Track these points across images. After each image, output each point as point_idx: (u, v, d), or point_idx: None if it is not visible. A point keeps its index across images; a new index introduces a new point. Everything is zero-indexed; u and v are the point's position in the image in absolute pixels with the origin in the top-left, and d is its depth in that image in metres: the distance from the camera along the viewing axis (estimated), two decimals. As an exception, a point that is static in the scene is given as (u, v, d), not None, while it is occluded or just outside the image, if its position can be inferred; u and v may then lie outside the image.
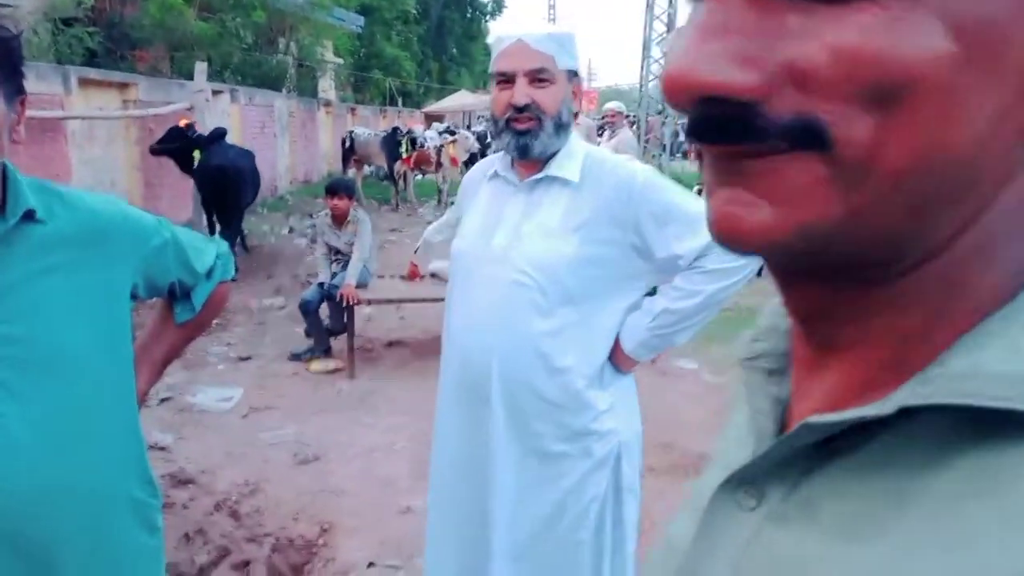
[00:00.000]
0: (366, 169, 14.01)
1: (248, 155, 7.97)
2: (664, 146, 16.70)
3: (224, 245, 1.50)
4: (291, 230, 10.08)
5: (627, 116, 8.70)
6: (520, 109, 1.56)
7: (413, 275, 5.64)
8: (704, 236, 1.53)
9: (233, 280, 1.52)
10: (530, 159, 1.63)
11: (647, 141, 16.49)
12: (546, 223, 1.61)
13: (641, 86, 17.09)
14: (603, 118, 7.68)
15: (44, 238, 1.15)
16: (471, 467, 1.72)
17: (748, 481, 0.41)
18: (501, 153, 1.72)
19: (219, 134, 7.66)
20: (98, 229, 1.22)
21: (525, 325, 1.60)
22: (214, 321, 1.53)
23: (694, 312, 1.61)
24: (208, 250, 1.44)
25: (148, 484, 1.31)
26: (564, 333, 1.60)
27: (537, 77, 1.56)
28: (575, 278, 1.59)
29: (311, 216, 9.18)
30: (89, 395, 1.18)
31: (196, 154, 7.34)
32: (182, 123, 7.58)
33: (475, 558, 1.74)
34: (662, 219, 1.57)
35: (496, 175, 1.73)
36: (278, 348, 5.42)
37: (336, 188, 5.17)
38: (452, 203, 6.32)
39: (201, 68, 8.17)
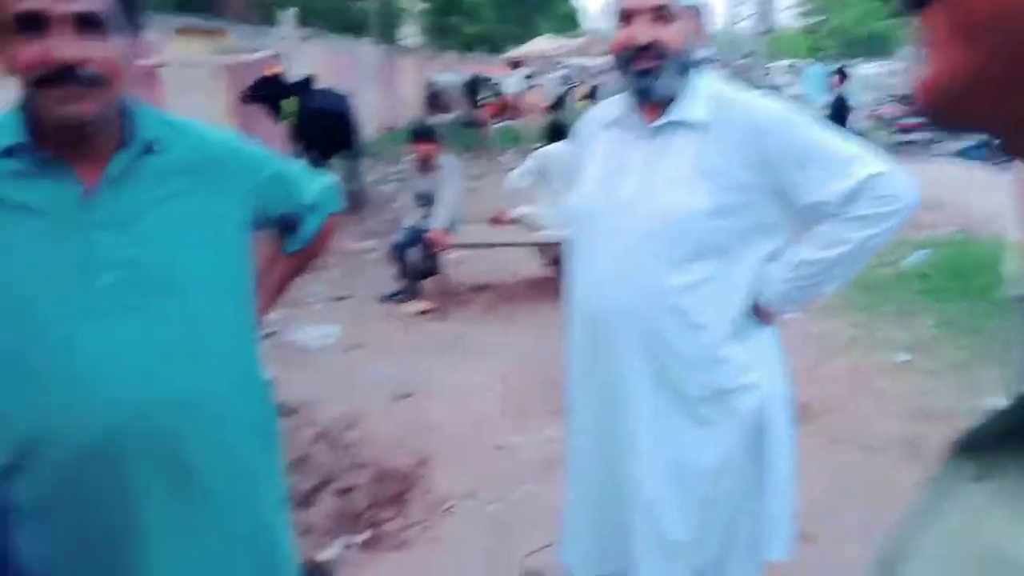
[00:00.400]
0: (448, 116, 14.05)
1: (343, 98, 8.09)
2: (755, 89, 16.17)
3: (331, 178, 1.56)
4: (377, 177, 10.24)
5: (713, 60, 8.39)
6: (641, 48, 1.49)
7: (499, 220, 5.68)
8: (852, 177, 1.44)
9: (342, 213, 1.57)
10: (653, 101, 1.55)
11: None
12: (674, 171, 1.53)
13: (734, 27, 16.46)
14: None
15: (163, 168, 1.22)
16: (610, 430, 1.66)
17: (976, 447, 0.36)
18: (619, 96, 1.64)
19: (308, 80, 7.79)
20: (213, 159, 1.28)
21: (657, 280, 1.53)
22: (322, 254, 1.59)
23: (840, 262, 1.51)
24: (315, 183, 1.49)
25: (267, 405, 1.38)
26: (699, 288, 1.52)
27: (659, 14, 1.48)
28: (708, 229, 1.50)
29: (396, 162, 9.30)
30: (209, 317, 1.25)
31: (286, 102, 7.50)
32: (270, 72, 7.72)
33: (616, 523, 1.70)
34: (802, 160, 1.46)
35: (617, 121, 1.64)
36: (371, 289, 5.57)
37: (421, 133, 5.21)
38: (535, 149, 6.32)
39: (289, 15, 8.27)
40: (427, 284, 5.40)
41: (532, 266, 6.11)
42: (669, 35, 1.49)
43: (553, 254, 5.84)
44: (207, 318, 1.25)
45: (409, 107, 16.28)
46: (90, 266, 1.15)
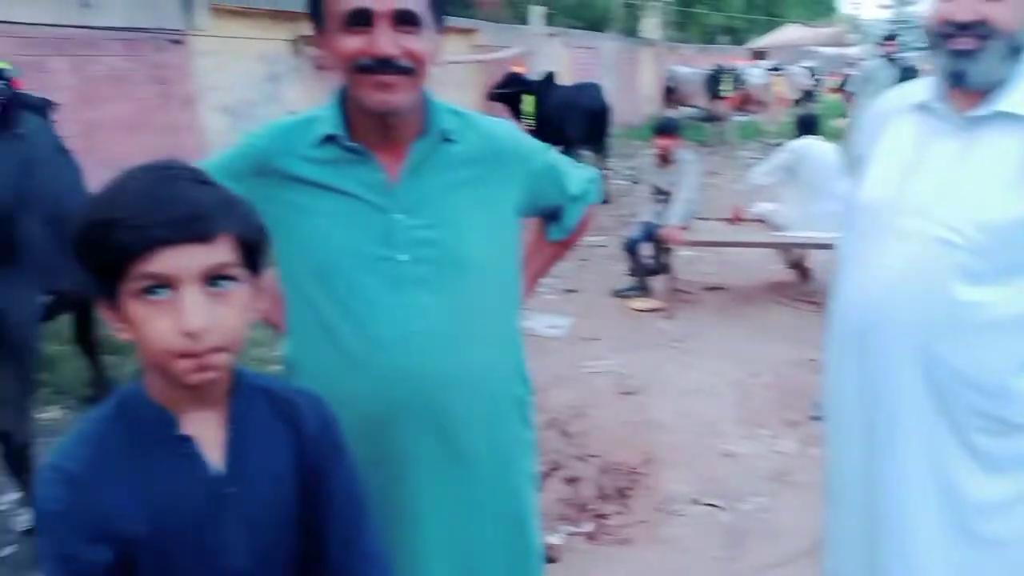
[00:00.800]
0: (686, 110, 13.78)
1: (593, 93, 8.24)
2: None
3: (594, 171, 1.63)
4: (613, 171, 10.30)
5: None
6: (963, 26, 1.31)
7: (736, 218, 5.50)
8: None
9: (602, 203, 1.63)
10: (969, 88, 1.36)
11: None
12: (992, 172, 1.34)
13: None
14: None
15: (456, 156, 1.33)
16: (875, 453, 1.52)
17: None
18: (926, 80, 1.46)
19: (549, 77, 8.01)
20: (497, 150, 1.38)
21: (949, 294, 1.35)
22: (577, 243, 1.66)
23: None
24: (580, 175, 1.56)
25: (526, 383, 1.47)
26: (998, 308, 1.34)
27: None
28: None
29: (633, 158, 9.29)
30: (489, 296, 1.36)
31: (527, 100, 7.75)
32: (516, 69, 8.03)
33: (877, 552, 1.57)
34: None
35: (921, 107, 1.46)
36: (602, 284, 5.64)
37: (664, 127, 5.16)
38: (778, 145, 6.00)
39: (538, 12, 8.53)
40: (658, 281, 5.36)
41: (769, 268, 5.86)
42: (1000, 12, 1.30)
43: (794, 257, 5.56)
44: (489, 297, 1.35)
45: (648, 101, 16.18)
46: (390, 244, 1.28)
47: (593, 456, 3.26)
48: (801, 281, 5.57)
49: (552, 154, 1.50)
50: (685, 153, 5.31)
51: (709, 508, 2.88)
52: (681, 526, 2.79)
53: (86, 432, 0.91)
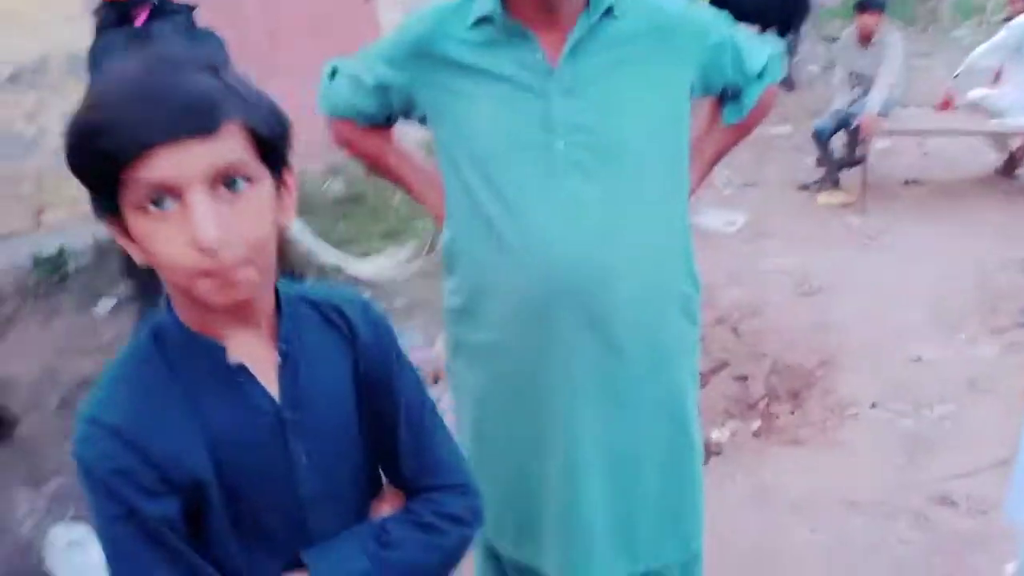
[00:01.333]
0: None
1: None
2: None
3: (776, 46, 1.46)
4: (802, 56, 9.50)
5: None
6: None
7: (946, 104, 4.93)
8: None
9: (784, 82, 1.48)
10: None
11: None
12: None
13: None
14: None
15: (619, 33, 1.25)
16: None
17: None
18: None
19: None
20: (666, 24, 1.28)
21: None
22: (757, 126, 1.52)
23: None
24: (761, 50, 1.42)
25: (692, 278, 1.40)
26: None
27: None
28: None
29: (826, 40, 8.50)
30: (650, 183, 1.28)
31: None
32: None
33: None
34: None
35: None
36: (783, 177, 5.30)
37: (868, 3, 4.63)
38: (1005, 21, 5.26)
39: None
40: (849, 175, 4.95)
41: (979, 161, 5.25)
42: None
43: (1012, 147, 4.94)
44: (651, 185, 1.28)
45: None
46: (548, 130, 1.23)
47: (765, 356, 3.15)
48: (1010, 174, 4.96)
49: (729, 26, 1.37)
50: (889, 32, 4.77)
51: (890, 414, 2.72)
52: (858, 430, 2.66)
53: (122, 376, 0.80)
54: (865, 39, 4.71)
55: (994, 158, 5.12)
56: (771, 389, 2.95)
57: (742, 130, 1.51)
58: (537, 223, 1.25)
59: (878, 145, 5.03)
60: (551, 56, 1.23)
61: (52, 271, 4.00)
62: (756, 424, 2.75)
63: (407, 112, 1.38)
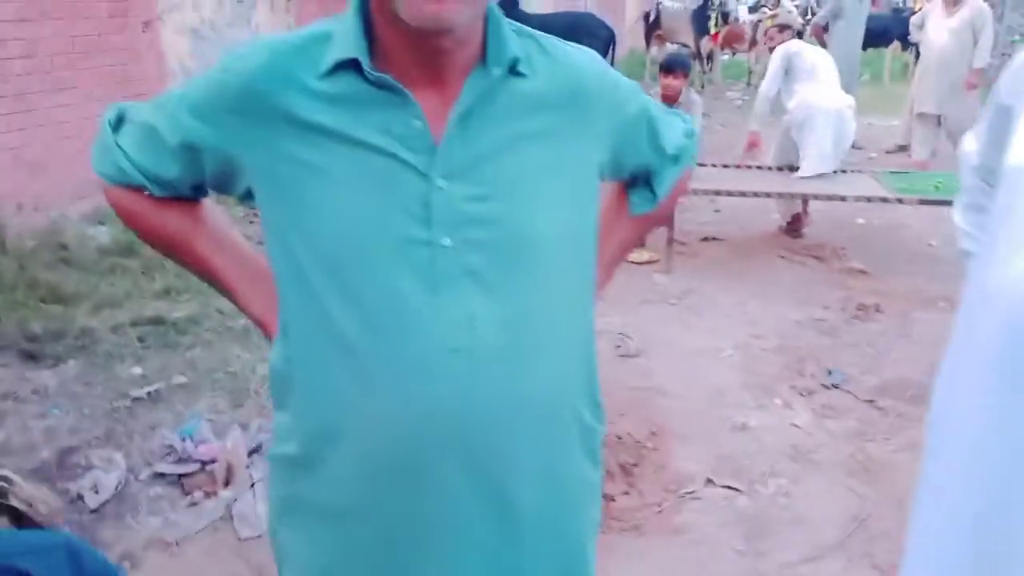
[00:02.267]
0: (669, 47, 13.28)
1: (582, 17, 7.73)
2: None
3: (692, 122, 1.21)
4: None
5: None
6: None
7: (753, 145, 5.26)
8: None
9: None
10: None
11: None
12: None
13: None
14: None
15: (526, 96, 0.94)
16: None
17: None
18: None
19: (514, 3, 7.45)
20: (580, 90, 0.99)
21: None
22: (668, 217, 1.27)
23: None
24: (676, 127, 1.16)
25: (597, 407, 1.12)
26: None
27: None
28: None
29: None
30: (556, 291, 0.99)
31: None
32: None
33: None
34: None
35: None
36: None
37: (673, 65, 4.76)
38: (770, 51, 5.71)
39: (526, -66, 7.96)
40: (655, 232, 5.03)
41: (767, 219, 5.58)
42: None
43: (796, 208, 5.28)
44: (559, 296, 0.99)
45: (631, 35, 15.60)
46: (429, 223, 0.90)
47: (595, 428, 2.98)
48: (795, 234, 5.32)
49: (647, 98, 1.11)
50: (691, 94, 4.94)
51: (726, 491, 2.63)
52: (697, 512, 2.53)
53: None
54: (670, 101, 4.83)
55: (778, 217, 5.45)
56: (604, 466, 2.77)
57: (652, 222, 1.25)
58: (412, 349, 0.92)
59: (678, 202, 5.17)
60: (435, 124, 0.91)
61: None
62: (593, 509, 2.55)
63: (224, 183, 1.00)
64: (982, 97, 6.17)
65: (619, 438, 2.92)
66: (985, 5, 6.54)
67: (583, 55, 1.02)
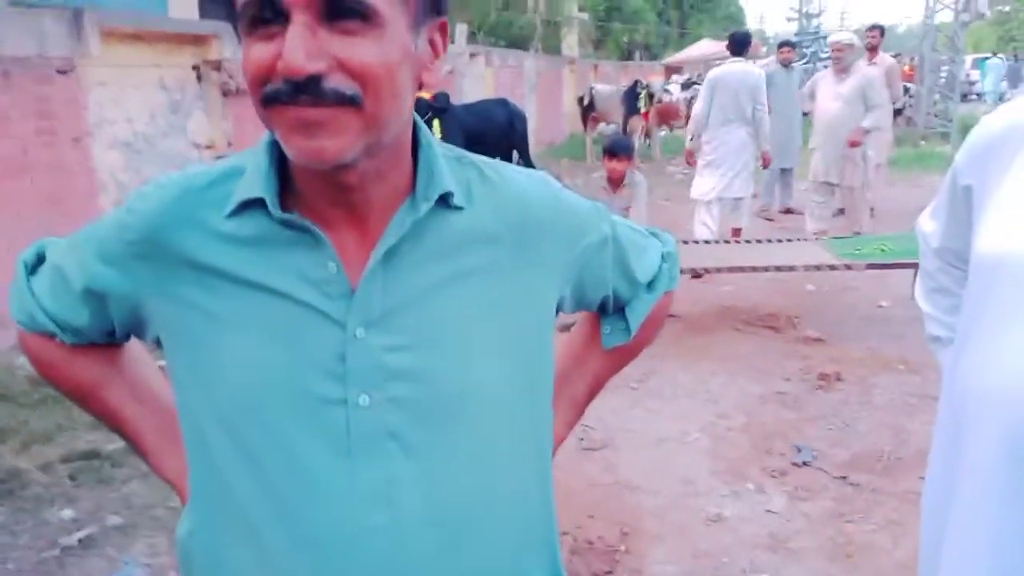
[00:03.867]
0: (604, 127, 13.63)
1: (498, 109, 7.82)
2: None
3: (670, 242, 1.09)
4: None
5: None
6: None
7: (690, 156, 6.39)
8: None
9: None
10: None
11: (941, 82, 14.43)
12: None
13: (927, 19, 14.90)
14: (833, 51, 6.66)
15: (461, 233, 0.84)
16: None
17: None
18: None
19: (444, 98, 7.55)
20: (527, 220, 0.88)
21: None
22: (646, 347, 1.15)
23: None
24: (651, 249, 1.05)
25: (558, 571, 0.98)
26: None
27: None
28: None
29: (560, 178, 8.98)
30: (497, 450, 0.86)
31: (435, 124, 7.24)
32: (423, 96, 7.48)
33: None
34: None
35: None
36: (547, 319, 5.23)
37: (616, 149, 4.80)
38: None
39: (462, 30, 8.16)
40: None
41: (717, 292, 5.59)
42: None
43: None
44: (502, 458, 0.87)
45: (570, 120, 16.00)
46: (343, 379, 0.79)
47: (564, 534, 2.83)
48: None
49: (612, 221, 0.99)
50: (636, 175, 4.98)
51: (706, 593, 2.49)
52: (676, 620, 2.38)
53: None
54: (615, 183, 4.86)
55: (729, 289, 5.46)
56: (573, 575, 2.61)
57: (626, 355, 1.11)
58: (322, 527, 0.80)
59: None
60: (354, 267, 0.81)
61: None
62: (569, 627, 2.38)
63: (135, 330, 0.90)
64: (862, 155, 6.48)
65: (590, 543, 2.78)
66: (874, 71, 6.74)
67: (532, 182, 0.92)
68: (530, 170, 0.95)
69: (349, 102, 0.72)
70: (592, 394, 1.13)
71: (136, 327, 0.89)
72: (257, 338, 0.80)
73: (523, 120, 8.06)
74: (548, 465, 0.96)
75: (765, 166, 6.78)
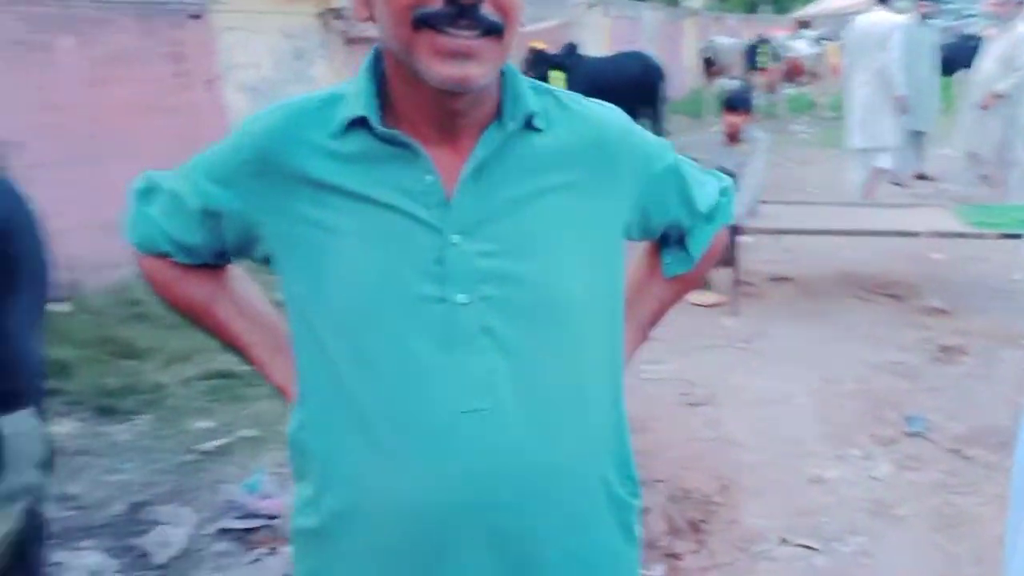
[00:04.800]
0: (725, 82, 13.20)
1: (630, 58, 7.73)
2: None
3: (728, 180, 1.17)
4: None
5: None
6: None
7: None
8: None
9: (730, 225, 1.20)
10: None
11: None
12: None
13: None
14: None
15: (544, 151, 0.93)
16: None
17: None
18: None
19: (571, 49, 7.47)
20: (602, 145, 0.97)
21: None
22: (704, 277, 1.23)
23: None
24: (710, 184, 1.13)
25: (631, 481, 1.06)
26: None
27: None
28: None
29: (678, 134, 8.81)
30: (583, 354, 0.96)
31: (553, 75, 7.19)
32: (536, 45, 7.45)
33: None
34: None
35: None
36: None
37: (736, 102, 4.69)
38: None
39: (581, -20, 8.05)
40: (718, 273, 4.91)
41: (839, 256, 5.41)
42: None
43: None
44: (584, 357, 0.95)
45: (691, 74, 15.55)
46: (442, 280, 0.89)
47: (660, 481, 2.88)
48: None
49: (676, 156, 1.08)
50: (755, 130, 4.85)
51: (802, 550, 2.49)
52: (770, 572, 2.41)
53: None
54: (732, 138, 4.76)
55: (852, 254, 5.28)
56: (671, 522, 2.67)
57: (687, 283, 1.19)
58: (426, 411, 0.89)
59: (744, 241, 5.06)
60: (449, 180, 0.90)
61: None
62: (660, 569, 2.45)
63: (245, 248, 1.00)
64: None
65: (686, 492, 2.82)
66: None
67: (606, 111, 1.01)
68: (605, 104, 1.03)
69: (495, 31, 0.82)
70: (655, 319, 1.21)
71: (246, 246, 0.99)
72: (364, 246, 0.89)
73: (658, 74, 7.93)
74: (621, 376, 1.04)
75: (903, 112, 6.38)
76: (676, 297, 1.21)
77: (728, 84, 12.90)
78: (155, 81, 5.02)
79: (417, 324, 0.89)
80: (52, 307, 2.29)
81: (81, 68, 4.54)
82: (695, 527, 2.65)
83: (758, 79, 12.37)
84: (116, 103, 4.73)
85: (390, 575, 0.94)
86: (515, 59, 0.95)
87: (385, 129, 0.88)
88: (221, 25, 5.53)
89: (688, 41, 15.97)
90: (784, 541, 2.53)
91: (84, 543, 2.53)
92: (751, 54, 12.33)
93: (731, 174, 4.74)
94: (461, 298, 0.89)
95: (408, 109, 0.89)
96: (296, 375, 0.99)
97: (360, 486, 0.93)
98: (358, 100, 0.89)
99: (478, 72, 0.83)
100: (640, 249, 1.20)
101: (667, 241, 1.14)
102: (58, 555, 2.26)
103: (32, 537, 1.89)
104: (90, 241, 4.08)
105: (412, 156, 0.89)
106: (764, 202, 5.11)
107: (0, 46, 4.22)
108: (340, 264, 0.90)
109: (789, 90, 13.30)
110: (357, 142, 0.90)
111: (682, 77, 15.50)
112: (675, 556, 2.51)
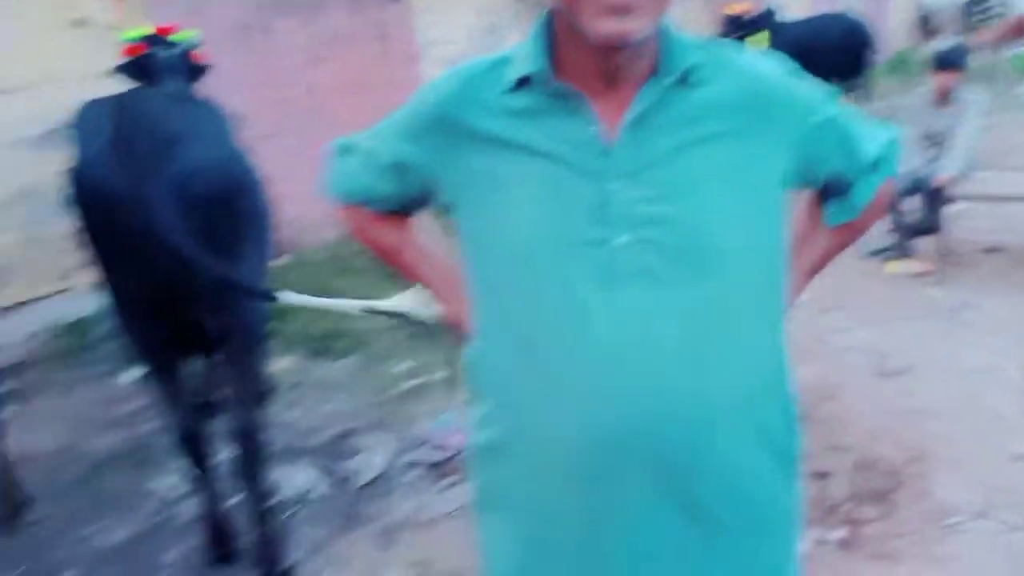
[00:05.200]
0: (938, 42, 12.06)
1: (833, 20, 7.33)
2: None
3: (895, 131, 1.17)
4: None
5: None
6: None
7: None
8: None
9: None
10: None
11: None
12: None
13: None
14: None
15: (701, 103, 0.98)
16: None
17: None
18: None
19: (769, 14, 7.15)
20: (761, 96, 1.00)
21: None
22: (869, 228, 1.24)
23: None
24: (875, 135, 1.14)
25: (792, 423, 1.09)
26: None
27: None
28: None
29: (884, 98, 8.22)
30: (741, 294, 0.99)
31: (753, 39, 6.93)
32: (734, 9, 7.22)
33: None
34: None
35: None
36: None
37: (947, 61, 4.34)
38: None
39: (776, -64, 7.70)
40: (924, 241, 4.59)
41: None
42: None
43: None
44: (742, 298, 0.99)
45: (897, 36, 14.37)
46: (604, 223, 0.95)
47: (847, 449, 2.80)
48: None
49: (839, 106, 1.09)
50: (970, 91, 4.46)
51: (999, 525, 2.35)
52: (963, 545, 2.29)
53: None
54: (942, 99, 4.42)
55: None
56: (855, 489, 2.60)
57: (850, 233, 1.20)
58: (589, 344, 0.96)
59: (952, 209, 4.69)
60: (610, 130, 0.97)
61: (75, 338, 3.82)
62: (841, 533, 2.40)
63: (428, 197, 1.13)
64: None
65: (873, 462, 2.72)
66: None
67: (766, 62, 1.04)
68: (766, 56, 1.05)
69: None
70: (817, 268, 1.22)
71: (429, 195, 1.12)
72: (533, 193, 0.98)
73: (861, 35, 7.44)
74: (781, 322, 1.06)
75: None
76: (839, 247, 1.22)
77: (942, 44, 11.84)
78: (362, 59, 5.43)
79: (582, 264, 0.96)
80: (274, 260, 2.61)
81: (299, 48, 5.01)
82: (881, 496, 2.57)
83: (978, 37, 11.23)
84: (329, 80, 5.17)
85: (554, 493, 1.03)
86: (710, 24, 1.01)
87: (555, 83, 0.96)
88: (420, 5, 5.86)
89: (894, 3, 14.72)
90: (981, 515, 2.39)
91: (297, 463, 2.87)
92: (969, 10, 11.21)
93: (939, 137, 4.43)
94: (621, 239, 0.95)
95: (574, 65, 0.96)
96: (471, 311, 1.10)
97: (528, 410, 1.03)
98: (527, 59, 0.97)
99: (636, 26, 0.88)
100: (804, 198, 1.21)
101: (832, 191, 1.15)
102: (276, 472, 2.57)
103: (257, 456, 2.23)
104: (307, 204, 4.51)
105: (576, 108, 0.96)
106: (978, 168, 4.71)
107: (229, 29, 4.73)
108: (510, 211, 0.99)
109: (1014, 50, 11.95)
110: (525, 99, 0.98)
111: (888, 40, 14.35)
112: (858, 522, 2.45)
